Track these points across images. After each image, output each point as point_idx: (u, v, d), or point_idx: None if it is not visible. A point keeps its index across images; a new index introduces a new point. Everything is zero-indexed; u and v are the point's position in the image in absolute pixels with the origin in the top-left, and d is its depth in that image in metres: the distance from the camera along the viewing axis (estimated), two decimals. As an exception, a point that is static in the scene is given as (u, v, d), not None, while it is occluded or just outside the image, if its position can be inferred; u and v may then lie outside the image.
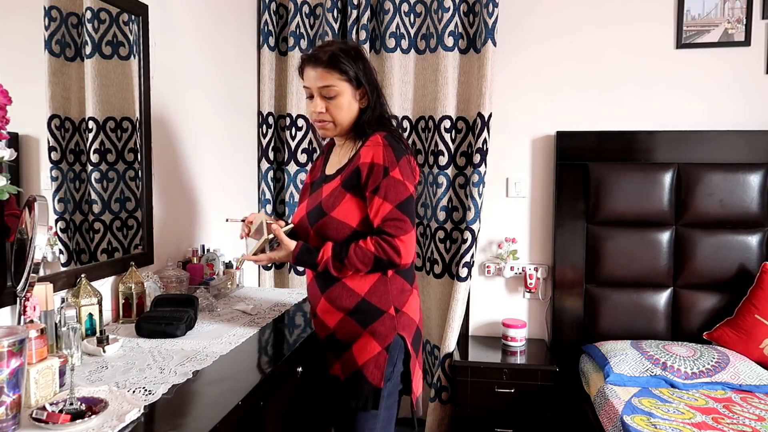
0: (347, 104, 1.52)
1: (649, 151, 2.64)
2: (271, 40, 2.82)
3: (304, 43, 2.82)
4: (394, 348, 1.50)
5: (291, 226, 1.58)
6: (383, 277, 1.51)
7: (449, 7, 2.63)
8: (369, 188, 1.45)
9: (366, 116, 1.54)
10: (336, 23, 2.73)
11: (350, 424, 1.52)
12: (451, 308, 2.69)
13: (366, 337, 1.49)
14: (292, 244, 1.51)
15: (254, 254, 1.56)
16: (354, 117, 1.54)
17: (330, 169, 1.60)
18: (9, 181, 1.17)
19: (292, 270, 2.91)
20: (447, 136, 2.71)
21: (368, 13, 2.71)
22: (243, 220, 1.66)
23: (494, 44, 2.61)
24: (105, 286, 1.66)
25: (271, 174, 2.87)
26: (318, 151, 1.77)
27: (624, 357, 2.30)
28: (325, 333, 1.56)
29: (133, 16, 1.79)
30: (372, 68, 1.58)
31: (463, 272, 2.68)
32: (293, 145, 2.83)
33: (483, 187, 2.66)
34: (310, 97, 1.54)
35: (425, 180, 2.82)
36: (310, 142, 2.84)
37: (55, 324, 1.31)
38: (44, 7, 1.46)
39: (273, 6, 2.81)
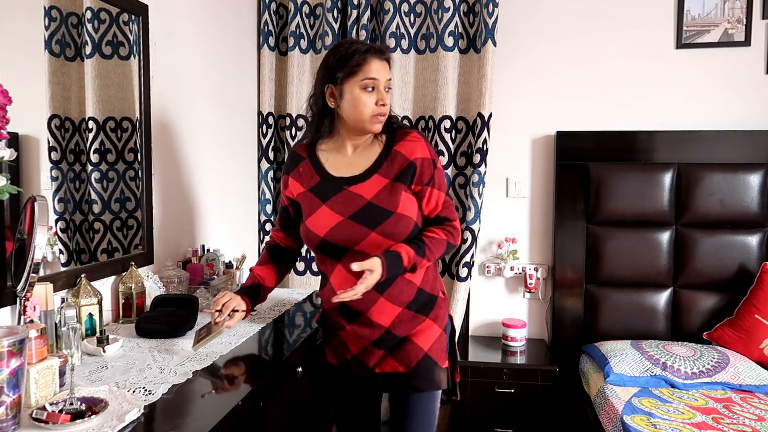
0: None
1: (649, 151, 2.64)
2: (271, 40, 2.82)
3: (304, 43, 2.82)
4: (447, 328, 1.57)
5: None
6: (429, 264, 1.54)
7: (449, 7, 2.63)
8: (423, 181, 1.48)
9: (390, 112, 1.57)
10: (336, 23, 2.73)
11: (415, 409, 1.52)
12: (451, 308, 2.69)
13: (427, 323, 1.51)
14: (375, 259, 1.39)
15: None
16: None
17: (345, 171, 1.50)
18: (9, 181, 1.17)
19: (292, 270, 2.90)
20: (447, 136, 2.70)
21: (368, 13, 2.71)
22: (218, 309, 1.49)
23: (494, 44, 2.61)
24: (105, 286, 1.66)
25: (271, 174, 2.87)
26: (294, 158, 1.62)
27: (624, 357, 2.30)
28: (376, 334, 1.49)
29: (133, 16, 1.79)
30: None
31: (463, 272, 2.68)
32: (293, 145, 2.83)
33: (483, 187, 2.66)
34: (370, 89, 1.44)
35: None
36: (310, 142, 2.84)
37: (55, 324, 1.31)
38: (44, 8, 1.46)
39: (273, 6, 2.81)
